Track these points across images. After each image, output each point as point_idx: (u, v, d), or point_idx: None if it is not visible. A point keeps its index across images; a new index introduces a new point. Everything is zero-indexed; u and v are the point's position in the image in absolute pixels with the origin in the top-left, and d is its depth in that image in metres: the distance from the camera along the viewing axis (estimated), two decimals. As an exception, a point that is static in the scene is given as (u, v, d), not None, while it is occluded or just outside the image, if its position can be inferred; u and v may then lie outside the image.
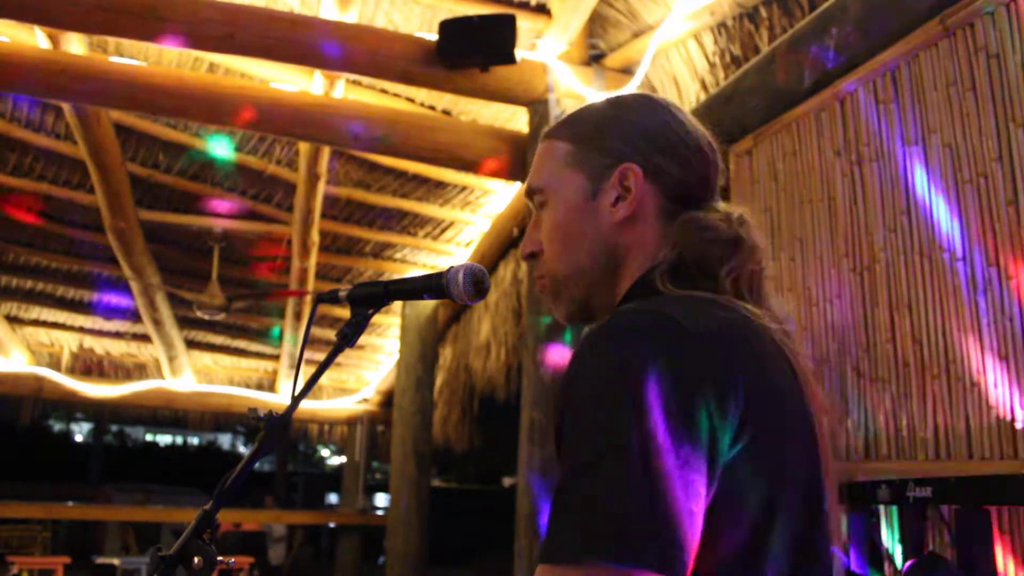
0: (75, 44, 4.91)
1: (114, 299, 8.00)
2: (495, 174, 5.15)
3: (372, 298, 1.15)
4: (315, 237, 6.76)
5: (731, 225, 0.95)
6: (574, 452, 0.77)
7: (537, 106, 4.67)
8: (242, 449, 27.42)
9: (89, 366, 9.34)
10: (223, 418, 10.42)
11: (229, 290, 7.71)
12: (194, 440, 29.08)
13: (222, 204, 7.02)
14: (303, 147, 5.93)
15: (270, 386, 9.81)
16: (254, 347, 9.52)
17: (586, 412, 0.78)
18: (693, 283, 0.91)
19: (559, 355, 4.28)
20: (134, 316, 8.18)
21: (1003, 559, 2.19)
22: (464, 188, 6.72)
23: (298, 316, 7.94)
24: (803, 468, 0.86)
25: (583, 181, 0.99)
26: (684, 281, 0.91)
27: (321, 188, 6.24)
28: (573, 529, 0.73)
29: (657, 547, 0.71)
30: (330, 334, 8.19)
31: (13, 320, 8.68)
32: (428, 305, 7.49)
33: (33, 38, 4.83)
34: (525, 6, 4.87)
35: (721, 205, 1.00)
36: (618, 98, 1.06)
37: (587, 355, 0.82)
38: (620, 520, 0.71)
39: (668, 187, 0.97)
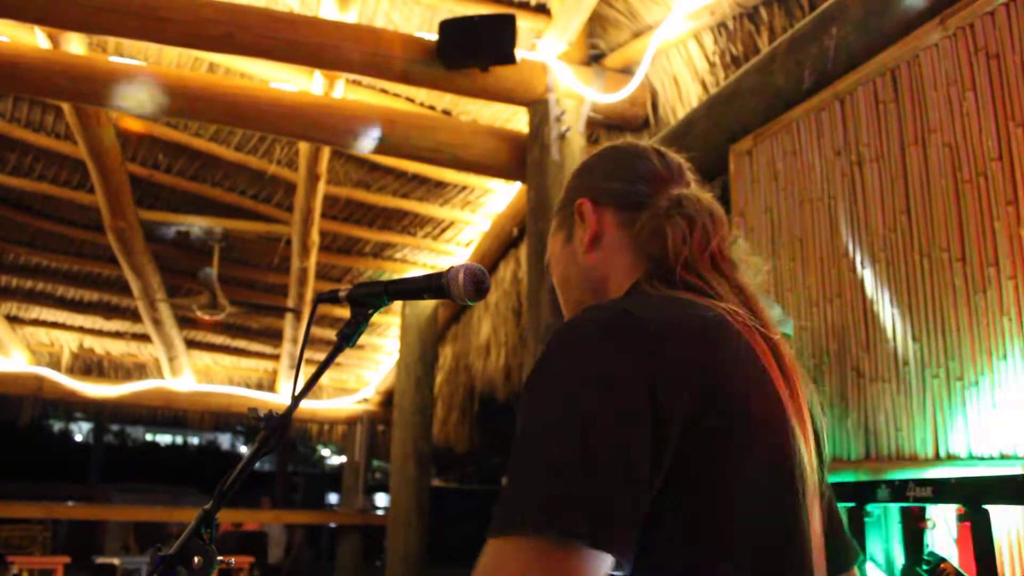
0: (75, 44, 4.91)
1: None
2: (495, 174, 5.15)
3: (372, 298, 1.16)
4: (315, 237, 6.76)
5: (657, 217, 1.01)
6: (522, 433, 0.80)
7: (537, 106, 4.67)
8: (242, 449, 27.41)
9: (89, 366, 9.34)
10: (223, 418, 10.41)
11: (229, 290, 7.72)
12: (194, 440, 29.07)
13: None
14: (303, 147, 5.93)
15: (270, 386, 9.81)
16: (254, 347, 9.52)
17: (536, 398, 0.82)
18: (670, 282, 0.97)
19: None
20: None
21: (1003, 559, 2.19)
22: (464, 188, 6.72)
23: (298, 316, 7.94)
24: (776, 461, 0.87)
25: (561, 235, 1.12)
26: (664, 281, 0.97)
27: (321, 188, 6.24)
28: (515, 504, 0.75)
29: (593, 523, 0.73)
30: (330, 334, 8.19)
31: (13, 320, 8.68)
32: (428, 305, 7.49)
33: (33, 38, 4.83)
34: (525, 6, 4.87)
35: (673, 191, 1.05)
36: (582, 161, 1.19)
37: (547, 348, 0.86)
38: (557, 496, 0.74)
39: (619, 200, 1.06)
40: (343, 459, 11.47)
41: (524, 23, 4.72)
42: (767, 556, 0.84)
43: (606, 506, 0.74)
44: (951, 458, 2.43)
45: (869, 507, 2.48)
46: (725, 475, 0.82)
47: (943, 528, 2.37)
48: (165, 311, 7.86)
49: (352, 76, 5.22)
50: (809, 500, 0.90)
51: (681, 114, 4.52)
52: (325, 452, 26.74)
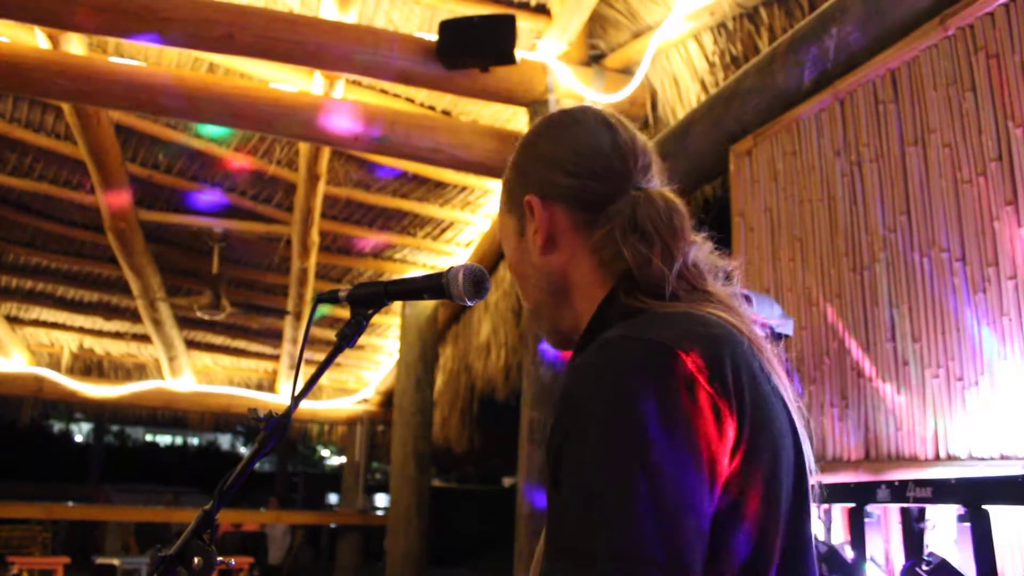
0: (75, 44, 4.91)
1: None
2: (495, 174, 5.14)
3: (372, 298, 1.15)
4: (315, 237, 6.76)
5: (612, 239, 0.94)
6: (578, 486, 0.77)
7: (537, 106, 4.66)
8: (242, 449, 27.41)
9: (89, 366, 9.34)
10: (223, 418, 10.43)
11: (229, 290, 7.72)
12: (194, 440, 29.08)
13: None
14: (303, 147, 5.93)
15: (270, 386, 9.81)
16: (254, 347, 9.52)
17: (587, 447, 0.78)
18: (651, 293, 0.92)
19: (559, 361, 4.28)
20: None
21: (1003, 559, 2.19)
22: (464, 188, 6.72)
23: (298, 316, 7.95)
24: (792, 466, 0.87)
25: (513, 222, 1.04)
26: (641, 292, 0.92)
27: (321, 188, 6.24)
28: (583, 564, 0.73)
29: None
30: (330, 334, 8.18)
31: (13, 320, 8.68)
32: (428, 305, 7.49)
33: (33, 38, 4.83)
34: (525, 6, 4.87)
35: (626, 196, 0.96)
36: (528, 132, 1.09)
37: (583, 387, 0.82)
38: (630, 553, 0.72)
39: (571, 198, 0.98)
40: (343, 459, 11.48)
41: (524, 23, 4.72)
42: (788, 564, 0.84)
43: (679, 560, 0.73)
44: (951, 458, 2.43)
45: (869, 507, 2.48)
46: (761, 491, 0.82)
47: (943, 528, 2.36)
48: (165, 311, 7.86)
49: (352, 76, 5.22)
50: (810, 498, 0.91)
51: (681, 114, 4.52)
52: (325, 452, 26.75)
